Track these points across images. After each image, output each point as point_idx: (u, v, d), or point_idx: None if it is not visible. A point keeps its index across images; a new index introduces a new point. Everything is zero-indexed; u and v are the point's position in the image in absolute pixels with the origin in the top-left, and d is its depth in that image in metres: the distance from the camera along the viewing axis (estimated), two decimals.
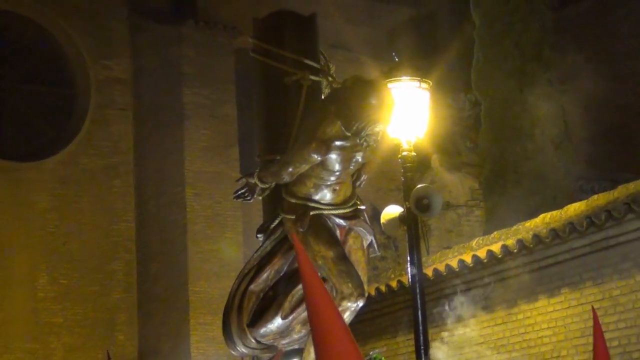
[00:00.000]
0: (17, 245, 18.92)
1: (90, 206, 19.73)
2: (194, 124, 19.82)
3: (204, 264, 19.15)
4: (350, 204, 6.19)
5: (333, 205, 6.13)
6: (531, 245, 10.89)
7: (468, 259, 11.65)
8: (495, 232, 11.68)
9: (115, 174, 20.12)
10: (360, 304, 5.97)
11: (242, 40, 19.34)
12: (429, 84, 9.64)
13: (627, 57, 18.87)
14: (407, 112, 9.24)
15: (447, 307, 11.84)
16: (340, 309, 5.89)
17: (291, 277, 6.15)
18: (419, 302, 9.19)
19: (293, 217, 6.04)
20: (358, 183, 6.33)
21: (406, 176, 9.52)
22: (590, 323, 8.96)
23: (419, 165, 11.39)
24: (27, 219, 19.11)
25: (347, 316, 5.94)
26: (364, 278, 6.11)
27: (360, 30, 21.91)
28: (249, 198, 6.34)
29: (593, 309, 5.36)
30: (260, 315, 6.11)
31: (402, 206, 9.51)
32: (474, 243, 11.86)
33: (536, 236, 10.81)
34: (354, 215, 6.18)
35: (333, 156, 5.96)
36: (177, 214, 19.53)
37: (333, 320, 3.31)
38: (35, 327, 18.81)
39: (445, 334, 11.92)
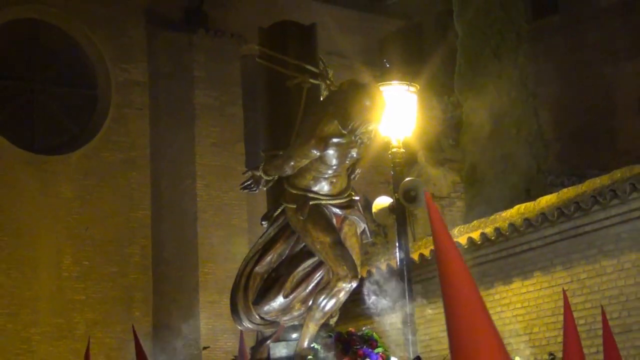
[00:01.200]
0: (45, 230, 18.88)
1: (110, 196, 19.68)
2: (204, 123, 19.79)
3: (212, 248, 19.12)
4: (346, 194, 6.19)
5: (330, 195, 6.12)
6: (507, 233, 10.90)
7: None
8: (474, 221, 11.69)
9: (133, 167, 20.07)
10: (354, 284, 5.97)
11: (248, 47, 19.32)
12: (416, 87, 9.65)
13: (592, 65, 18.87)
14: (397, 113, 9.25)
15: (431, 288, 11.83)
16: (336, 289, 5.92)
17: (292, 260, 6.14)
18: (406, 283, 9.21)
19: (294, 206, 6.03)
20: (353, 176, 6.32)
21: (395, 170, 9.54)
22: (560, 303, 8.97)
23: (407, 160, 11.39)
24: (53, 206, 19.07)
25: (342, 296, 5.95)
26: (357, 261, 6.11)
27: (354, 39, 21.87)
28: (254, 189, 6.33)
29: (564, 292, 5.36)
30: (264, 294, 6.10)
31: (392, 197, 9.53)
32: (455, 231, 11.86)
33: (512, 225, 10.82)
34: (349, 205, 6.17)
35: (330, 152, 5.95)
36: (188, 203, 19.50)
37: (467, 282, 3.13)
38: (60, 303, 18.77)
39: (429, 312, 11.92)
